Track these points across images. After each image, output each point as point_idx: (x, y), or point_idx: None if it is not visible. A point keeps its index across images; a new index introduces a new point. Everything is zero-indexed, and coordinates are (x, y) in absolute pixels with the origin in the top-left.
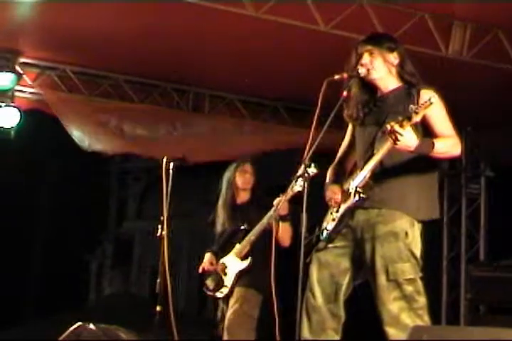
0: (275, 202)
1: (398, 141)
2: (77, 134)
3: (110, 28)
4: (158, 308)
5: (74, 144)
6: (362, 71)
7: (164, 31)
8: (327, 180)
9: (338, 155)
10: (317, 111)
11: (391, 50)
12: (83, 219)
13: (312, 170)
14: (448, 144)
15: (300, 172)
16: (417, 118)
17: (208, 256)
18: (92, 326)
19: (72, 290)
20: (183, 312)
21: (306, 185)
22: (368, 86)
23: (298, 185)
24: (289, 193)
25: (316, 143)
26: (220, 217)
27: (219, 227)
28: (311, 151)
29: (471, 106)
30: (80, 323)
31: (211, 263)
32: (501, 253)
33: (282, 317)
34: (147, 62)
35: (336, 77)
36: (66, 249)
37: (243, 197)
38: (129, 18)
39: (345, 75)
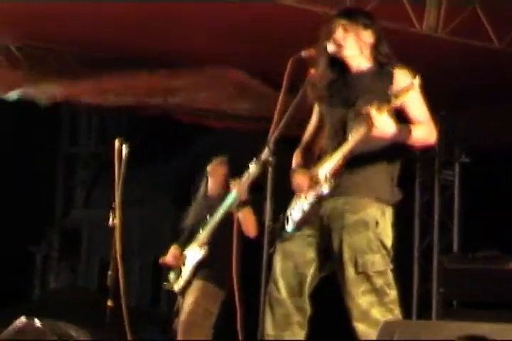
0: (231, 185)
1: (375, 127)
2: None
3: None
4: (109, 303)
5: (17, 130)
6: (332, 47)
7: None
8: (293, 165)
9: (305, 137)
10: (282, 91)
11: (366, 27)
12: (27, 208)
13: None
14: (425, 132)
15: (263, 156)
16: (397, 103)
17: (172, 248)
18: (37, 322)
19: (15, 284)
20: (136, 307)
21: (270, 171)
22: (337, 64)
23: (253, 168)
24: (246, 177)
25: (281, 126)
26: (190, 211)
27: (187, 220)
28: (275, 134)
29: (446, 88)
30: (23, 319)
31: (174, 256)
32: (476, 244)
33: (245, 314)
34: (96, 35)
35: (303, 53)
36: (8, 240)
37: (217, 190)
38: None
39: (312, 51)
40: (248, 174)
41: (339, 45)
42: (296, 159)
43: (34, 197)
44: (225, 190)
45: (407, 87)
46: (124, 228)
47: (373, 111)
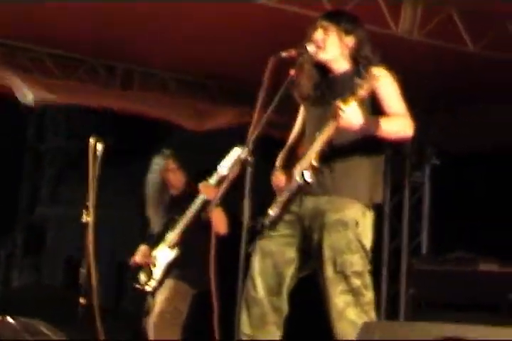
0: (200, 187)
1: (341, 118)
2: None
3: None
4: (81, 300)
5: None
6: (311, 48)
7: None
8: (276, 165)
9: (290, 139)
10: (262, 91)
11: (348, 30)
12: None
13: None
14: (397, 124)
15: (242, 155)
16: (362, 93)
17: (141, 248)
18: (10, 320)
19: None
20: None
21: (249, 170)
22: (321, 65)
23: (223, 168)
24: (215, 177)
25: (260, 126)
26: (153, 211)
27: (154, 221)
28: (254, 134)
29: (420, 90)
30: None
31: (144, 256)
32: (445, 246)
33: (221, 313)
34: (73, 35)
35: (284, 54)
36: None
37: (176, 188)
38: None
39: (293, 52)
40: (217, 175)
41: (318, 47)
42: (279, 160)
43: None
44: (186, 187)
45: (370, 77)
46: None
47: (340, 104)
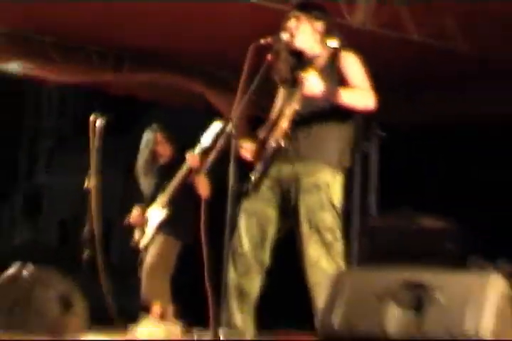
0: (186, 156)
1: (304, 85)
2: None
3: None
4: (85, 254)
5: None
6: (285, 35)
7: None
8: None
9: (269, 119)
10: (244, 74)
11: (318, 18)
12: None
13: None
14: (357, 94)
15: (228, 129)
16: (319, 62)
17: (135, 210)
18: (26, 270)
19: None
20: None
21: (234, 142)
22: (296, 50)
23: (205, 140)
24: (198, 148)
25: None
26: (144, 177)
27: (144, 186)
28: (238, 111)
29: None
30: (17, 265)
31: (138, 217)
32: (391, 205)
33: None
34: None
35: (262, 41)
36: None
37: (164, 157)
38: None
39: (269, 40)
40: (202, 145)
41: (291, 34)
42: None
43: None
44: (174, 155)
45: (326, 49)
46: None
47: (303, 74)
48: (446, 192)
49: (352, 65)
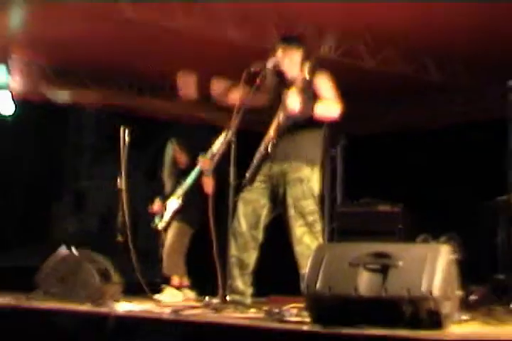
0: (199, 160)
1: (287, 104)
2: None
3: (77, 36)
4: (119, 238)
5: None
6: (272, 63)
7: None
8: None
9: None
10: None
11: (299, 47)
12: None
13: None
14: (328, 108)
15: (228, 137)
16: (299, 85)
17: (156, 201)
18: (75, 252)
19: (38, 228)
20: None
21: (233, 147)
22: (281, 72)
23: (215, 147)
24: (209, 153)
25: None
26: (167, 178)
27: (167, 185)
28: (236, 122)
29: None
30: (64, 249)
31: (158, 206)
32: (354, 196)
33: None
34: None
35: (252, 68)
36: (34, 197)
37: (182, 164)
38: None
39: (258, 68)
40: (211, 152)
41: (278, 62)
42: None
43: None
44: (189, 162)
45: (304, 71)
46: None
47: (285, 94)
48: (398, 184)
49: (323, 83)
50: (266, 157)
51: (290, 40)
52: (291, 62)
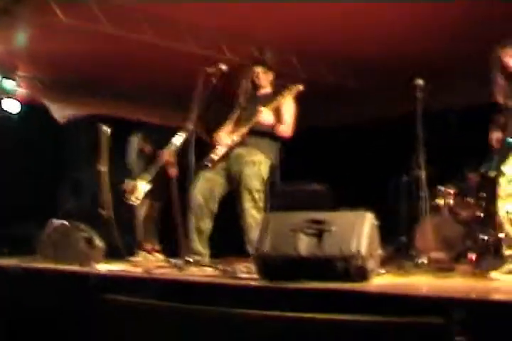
0: (162, 152)
1: (261, 115)
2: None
3: (79, 53)
4: (103, 212)
5: None
6: (223, 66)
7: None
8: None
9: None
10: (197, 95)
11: (269, 70)
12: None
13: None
14: (284, 130)
15: (185, 134)
16: (274, 104)
17: (127, 182)
18: (65, 222)
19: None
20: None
21: (192, 140)
22: (256, 86)
23: (176, 141)
24: (170, 146)
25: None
26: (135, 166)
27: (135, 171)
28: (193, 120)
29: None
30: (55, 221)
31: (131, 185)
32: (292, 178)
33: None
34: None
35: (209, 70)
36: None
37: (148, 152)
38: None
39: (214, 69)
40: (171, 145)
41: (257, 81)
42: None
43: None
44: (152, 150)
45: (280, 97)
46: None
47: (261, 107)
48: (324, 170)
49: (287, 105)
50: (230, 147)
51: (264, 63)
52: (266, 80)
